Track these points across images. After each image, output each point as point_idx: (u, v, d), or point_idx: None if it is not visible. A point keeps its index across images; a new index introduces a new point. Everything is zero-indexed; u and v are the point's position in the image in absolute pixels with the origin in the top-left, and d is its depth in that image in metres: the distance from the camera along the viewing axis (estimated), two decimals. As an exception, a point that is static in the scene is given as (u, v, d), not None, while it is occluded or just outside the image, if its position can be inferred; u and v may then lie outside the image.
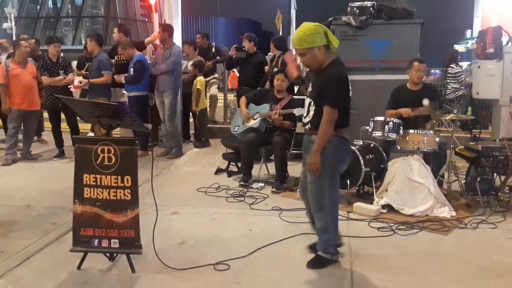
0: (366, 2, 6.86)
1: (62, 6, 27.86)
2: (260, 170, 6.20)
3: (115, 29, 8.10)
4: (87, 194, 3.58)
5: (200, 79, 8.03)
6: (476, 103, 8.65)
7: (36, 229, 4.49)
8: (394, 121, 5.26)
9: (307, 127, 3.69)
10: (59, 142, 7.48)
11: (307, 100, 3.68)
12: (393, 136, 5.25)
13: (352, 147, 5.25)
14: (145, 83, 7.38)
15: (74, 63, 8.69)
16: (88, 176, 3.57)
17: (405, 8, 6.85)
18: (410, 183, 4.94)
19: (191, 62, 8.25)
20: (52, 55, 7.25)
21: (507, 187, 5.15)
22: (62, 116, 7.45)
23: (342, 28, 6.84)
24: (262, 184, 5.84)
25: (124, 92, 7.56)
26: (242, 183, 5.87)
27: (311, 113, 3.62)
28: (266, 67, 7.78)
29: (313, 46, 3.50)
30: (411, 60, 5.67)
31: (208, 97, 9.33)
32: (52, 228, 4.49)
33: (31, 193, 5.64)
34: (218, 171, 6.50)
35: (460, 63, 9.96)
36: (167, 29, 7.33)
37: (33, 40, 8.97)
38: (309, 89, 3.71)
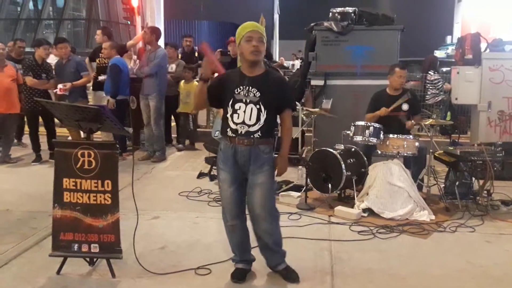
0: (347, 8, 6.94)
1: (43, 8, 27.57)
2: (242, 174, 6.20)
3: (99, 31, 8.02)
4: (66, 198, 3.55)
5: (196, 83, 8.08)
6: (455, 109, 8.79)
7: (15, 233, 4.43)
8: (375, 125, 5.32)
9: (254, 136, 3.31)
10: (36, 146, 7.38)
11: (248, 107, 3.29)
12: (373, 140, 5.31)
13: (334, 151, 5.31)
14: (125, 87, 7.33)
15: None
16: (68, 180, 3.54)
17: (385, 14, 6.94)
18: (390, 187, 5.00)
19: (173, 65, 8.23)
20: (39, 58, 7.15)
21: (485, 191, 5.23)
22: (40, 120, 7.37)
23: (324, 33, 6.91)
24: (244, 188, 5.84)
25: (104, 95, 7.50)
26: (224, 187, 5.85)
27: (262, 119, 3.31)
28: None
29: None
30: (392, 66, 5.72)
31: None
32: (31, 233, 4.44)
33: (10, 197, 5.56)
34: (201, 175, 6.48)
35: (443, 69, 10.10)
36: (155, 32, 7.30)
37: (24, 43, 8.76)
38: (249, 94, 3.30)
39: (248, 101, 3.30)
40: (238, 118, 3.31)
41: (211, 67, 3.42)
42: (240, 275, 3.55)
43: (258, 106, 3.29)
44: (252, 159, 3.34)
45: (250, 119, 3.30)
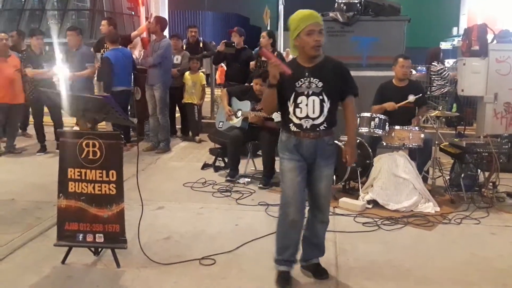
0: (353, -1, 6.87)
1: (47, -2, 27.55)
2: (247, 165, 6.20)
3: (104, 22, 7.99)
4: (71, 189, 3.56)
5: (202, 74, 8.09)
6: (461, 100, 8.75)
7: (20, 223, 4.45)
8: (380, 117, 5.29)
9: (320, 128, 3.22)
10: (40, 137, 7.39)
11: (310, 99, 3.18)
12: (379, 132, 5.28)
13: (339, 143, 5.28)
14: (128, 78, 7.31)
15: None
16: (73, 170, 3.55)
17: (391, 4, 6.87)
18: (395, 178, 4.98)
19: (179, 57, 8.20)
20: (35, 47, 7.15)
21: (490, 183, 5.21)
22: (46, 110, 7.37)
23: (329, 24, 6.84)
24: (249, 179, 5.84)
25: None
26: (228, 178, 5.86)
27: (325, 110, 3.19)
28: (252, 63, 7.75)
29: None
30: (396, 57, 5.69)
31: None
32: (36, 223, 4.45)
33: (15, 187, 5.57)
34: (205, 166, 6.48)
35: (446, 60, 10.05)
36: (160, 22, 7.28)
37: (15, 32, 8.76)
38: (311, 85, 3.17)
39: (310, 93, 3.18)
40: (301, 112, 3.20)
41: (279, 70, 3.11)
42: (287, 280, 3.40)
43: (320, 97, 3.18)
44: (319, 152, 3.25)
45: (313, 112, 3.19)
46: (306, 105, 3.19)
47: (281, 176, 3.36)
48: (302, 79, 3.19)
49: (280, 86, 3.19)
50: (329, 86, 3.19)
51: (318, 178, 3.30)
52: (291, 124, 3.25)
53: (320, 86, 3.17)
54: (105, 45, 7.54)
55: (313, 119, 3.20)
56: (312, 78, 3.18)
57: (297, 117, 3.22)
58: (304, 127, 3.21)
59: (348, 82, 3.31)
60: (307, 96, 3.18)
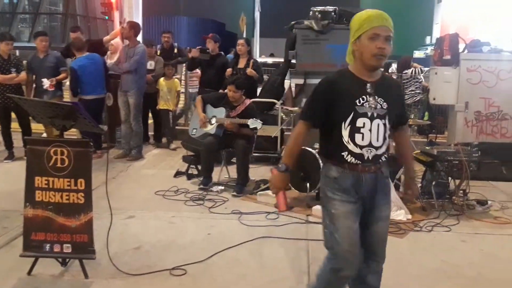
0: (327, 7, 6.92)
1: (18, 1, 27.04)
2: (220, 173, 6.15)
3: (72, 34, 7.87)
4: (38, 197, 3.47)
5: (177, 80, 8.05)
6: (432, 109, 8.87)
7: (-16, 233, 4.31)
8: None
9: (381, 159, 2.63)
10: (8, 143, 7.20)
11: (374, 123, 2.56)
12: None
13: (312, 151, 5.29)
14: (100, 84, 7.21)
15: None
16: (40, 179, 3.46)
17: (365, 14, 6.95)
18: (368, 186, 5.00)
19: (152, 62, 8.12)
20: (3, 53, 6.98)
21: (461, 191, 5.28)
22: (13, 116, 7.20)
23: (304, 32, 6.88)
24: (222, 187, 5.79)
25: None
26: (201, 186, 5.79)
27: (387, 138, 2.62)
28: (229, 70, 7.72)
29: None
30: None
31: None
32: (2, 232, 4.32)
33: (-19, 195, 5.41)
34: (178, 174, 6.41)
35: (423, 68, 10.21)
36: (134, 27, 7.20)
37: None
38: (376, 106, 2.56)
39: (374, 115, 2.55)
40: (362, 139, 2.55)
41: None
42: None
43: (384, 121, 2.58)
44: (379, 187, 2.65)
45: (377, 140, 2.57)
46: (370, 130, 2.55)
47: (329, 220, 2.66)
48: (364, 96, 2.56)
49: (330, 100, 2.58)
50: (393, 108, 2.62)
51: (377, 219, 2.68)
52: (345, 154, 2.58)
53: (385, 107, 2.58)
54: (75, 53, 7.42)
55: (377, 148, 2.58)
56: (376, 97, 2.57)
57: (356, 145, 2.56)
58: (366, 157, 2.57)
59: (405, 107, 2.87)
60: (371, 118, 2.55)
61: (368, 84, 2.57)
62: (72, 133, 6.84)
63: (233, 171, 6.04)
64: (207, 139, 5.87)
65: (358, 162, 2.56)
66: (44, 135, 7.55)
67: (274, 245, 4.19)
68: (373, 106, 2.54)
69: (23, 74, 7.10)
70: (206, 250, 4.00)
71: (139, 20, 8.17)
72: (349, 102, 2.54)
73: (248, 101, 5.96)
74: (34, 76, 7.30)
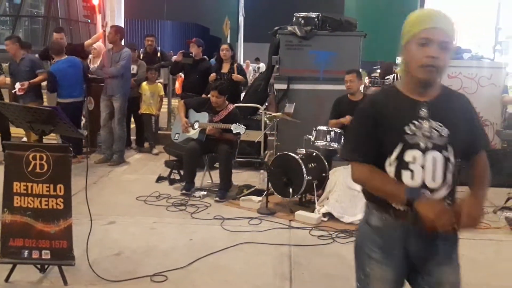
0: (311, 13, 6.97)
1: (-1, 3, 26.71)
2: (203, 178, 6.12)
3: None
4: (17, 203, 3.41)
5: (160, 85, 8.03)
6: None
7: (-40, 239, 4.22)
8: (336, 131, 5.35)
9: (446, 203, 1.94)
10: None
11: (429, 156, 1.92)
12: (334, 145, 5.34)
13: (295, 156, 5.29)
14: (78, 88, 7.14)
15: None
16: (19, 184, 3.40)
17: (348, 20, 7.01)
18: (350, 191, 5.02)
19: (134, 66, 8.06)
20: None
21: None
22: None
23: (288, 37, 6.91)
24: (205, 193, 5.76)
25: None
26: (184, 191, 5.74)
27: (450, 175, 1.96)
28: (213, 75, 7.69)
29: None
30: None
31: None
32: (-22, 239, 4.23)
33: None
34: (160, 179, 6.35)
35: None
36: (119, 32, 7.13)
37: None
38: (432, 133, 1.92)
39: (430, 146, 1.92)
40: (412, 178, 1.93)
41: None
42: None
43: (445, 153, 1.93)
44: (440, 243, 1.98)
45: (433, 179, 1.92)
46: (423, 166, 1.92)
47: (363, 275, 2.14)
48: (415, 121, 1.93)
49: (374, 129, 1.96)
50: (458, 134, 1.95)
51: (438, 285, 2.01)
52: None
53: (445, 134, 1.93)
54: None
55: (433, 190, 1.93)
56: (431, 121, 1.94)
57: None
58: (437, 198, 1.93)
59: (480, 128, 2.09)
60: (424, 151, 1.92)
61: (421, 105, 1.95)
62: (52, 138, 6.76)
63: (216, 176, 6.02)
64: (190, 144, 5.84)
65: (407, 209, 1.92)
66: (24, 139, 7.44)
67: (257, 250, 4.18)
68: (427, 134, 1.92)
69: (1, 78, 6.99)
70: (187, 256, 3.97)
71: (120, 23, 8.10)
72: (395, 129, 1.94)
73: (231, 106, 5.95)
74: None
